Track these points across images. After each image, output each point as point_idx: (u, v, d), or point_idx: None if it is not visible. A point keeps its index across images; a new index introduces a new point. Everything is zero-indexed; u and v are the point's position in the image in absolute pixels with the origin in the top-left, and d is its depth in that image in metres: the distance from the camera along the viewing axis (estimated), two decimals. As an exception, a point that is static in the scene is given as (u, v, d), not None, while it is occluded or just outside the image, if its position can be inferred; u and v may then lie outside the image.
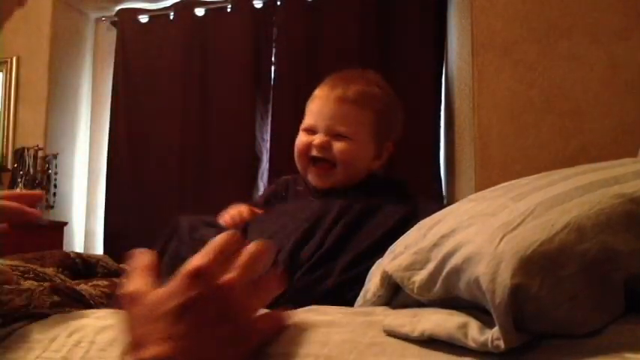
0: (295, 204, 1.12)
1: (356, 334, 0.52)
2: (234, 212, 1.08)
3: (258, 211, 1.10)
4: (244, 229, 0.96)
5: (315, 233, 0.90)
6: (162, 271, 0.95)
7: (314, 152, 1.10)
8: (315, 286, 0.81)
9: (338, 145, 1.08)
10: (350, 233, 0.90)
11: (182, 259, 0.94)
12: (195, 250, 0.91)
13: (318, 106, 1.12)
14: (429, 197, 1.05)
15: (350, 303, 0.70)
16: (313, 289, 0.79)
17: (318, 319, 0.57)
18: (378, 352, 0.49)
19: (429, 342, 0.48)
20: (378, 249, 0.83)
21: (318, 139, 1.09)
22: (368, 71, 1.19)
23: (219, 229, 0.94)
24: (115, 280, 1.07)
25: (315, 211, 0.96)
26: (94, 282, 0.98)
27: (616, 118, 2.29)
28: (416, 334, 0.49)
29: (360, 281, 0.80)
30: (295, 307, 0.62)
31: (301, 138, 1.13)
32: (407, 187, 1.15)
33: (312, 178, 1.12)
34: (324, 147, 1.08)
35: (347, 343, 0.51)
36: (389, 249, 0.69)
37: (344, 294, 0.77)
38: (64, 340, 0.60)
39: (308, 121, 1.13)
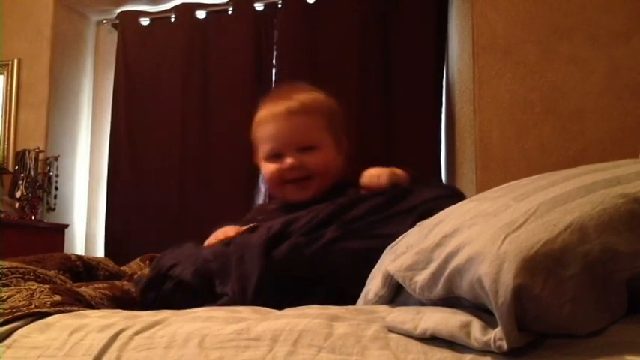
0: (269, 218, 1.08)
1: (360, 327, 0.52)
2: (219, 234, 1.05)
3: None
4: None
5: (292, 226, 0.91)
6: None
7: (287, 176, 1.08)
8: (304, 246, 0.84)
9: (310, 159, 1.07)
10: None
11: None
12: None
13: (270, 129, 1.09)
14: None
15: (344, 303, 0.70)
16: (300, 252, 0.83)
17: (321, 312, 0.57)
18: (381, 345, 0.49)
19: (432, 338, 0.48)
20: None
21: (287, 162, 1.07)
22: (295, 83, 1.18)
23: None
24: (116, 282, 1.07)
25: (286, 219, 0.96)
26: (95, 285, 0.98)
27: (617, 120, 2.28)
28: (418, 331, 0.48)
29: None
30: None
31: (269, 168, 1.10)
32: None
33: (291, 194, 1.10)
34: (296, 167, 1.07)
35: (351, 336, 0.51)
36: (388, 247, 0.69)
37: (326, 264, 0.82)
38: (66, 338, 0.60)
39: (267, 147, 1.10)
